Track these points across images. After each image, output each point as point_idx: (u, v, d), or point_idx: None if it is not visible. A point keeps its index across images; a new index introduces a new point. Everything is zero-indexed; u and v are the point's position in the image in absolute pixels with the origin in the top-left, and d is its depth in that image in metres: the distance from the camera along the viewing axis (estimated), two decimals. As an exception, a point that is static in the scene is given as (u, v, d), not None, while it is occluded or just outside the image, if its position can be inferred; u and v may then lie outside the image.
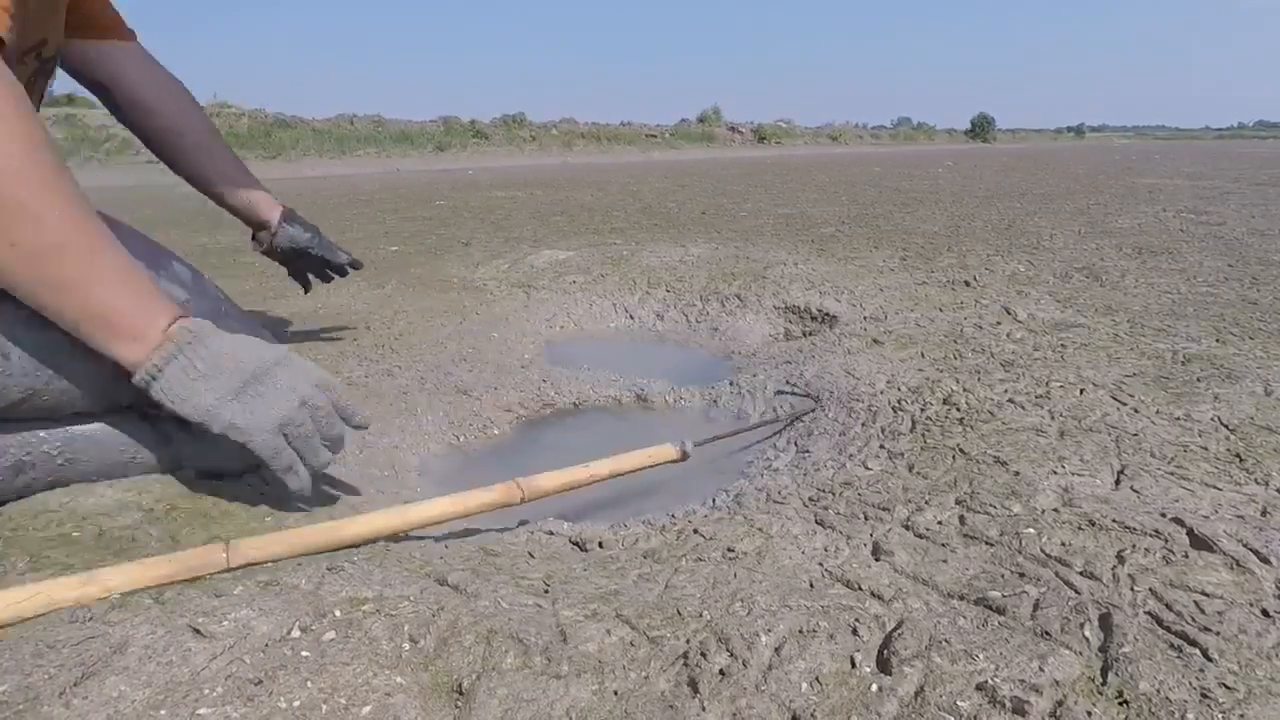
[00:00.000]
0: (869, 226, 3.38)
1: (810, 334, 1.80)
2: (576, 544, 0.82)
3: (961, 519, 0.80)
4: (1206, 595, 0.63)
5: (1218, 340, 1.45)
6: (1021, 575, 0.68)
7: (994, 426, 1.04)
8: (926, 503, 0.84)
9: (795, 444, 1.16)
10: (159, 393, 0.68)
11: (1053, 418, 1.06)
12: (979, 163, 10.56)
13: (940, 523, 0.80)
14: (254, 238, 1.37)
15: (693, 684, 0.55)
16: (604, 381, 1.47)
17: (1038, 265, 2.32)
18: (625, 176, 7.80)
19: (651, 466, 0.98)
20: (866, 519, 0.82)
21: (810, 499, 0.89)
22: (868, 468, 0.97)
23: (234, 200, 1.29)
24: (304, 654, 0.56)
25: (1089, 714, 0.51)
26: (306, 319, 1.82)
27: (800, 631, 0.60)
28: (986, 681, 0.54)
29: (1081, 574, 0.67)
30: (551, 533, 0.84)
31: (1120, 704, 0.52)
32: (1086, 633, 0.59)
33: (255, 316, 1.34)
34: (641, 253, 2.65)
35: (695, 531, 0.82)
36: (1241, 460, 0.91)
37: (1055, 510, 0.80)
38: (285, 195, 1.49)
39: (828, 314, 1.84)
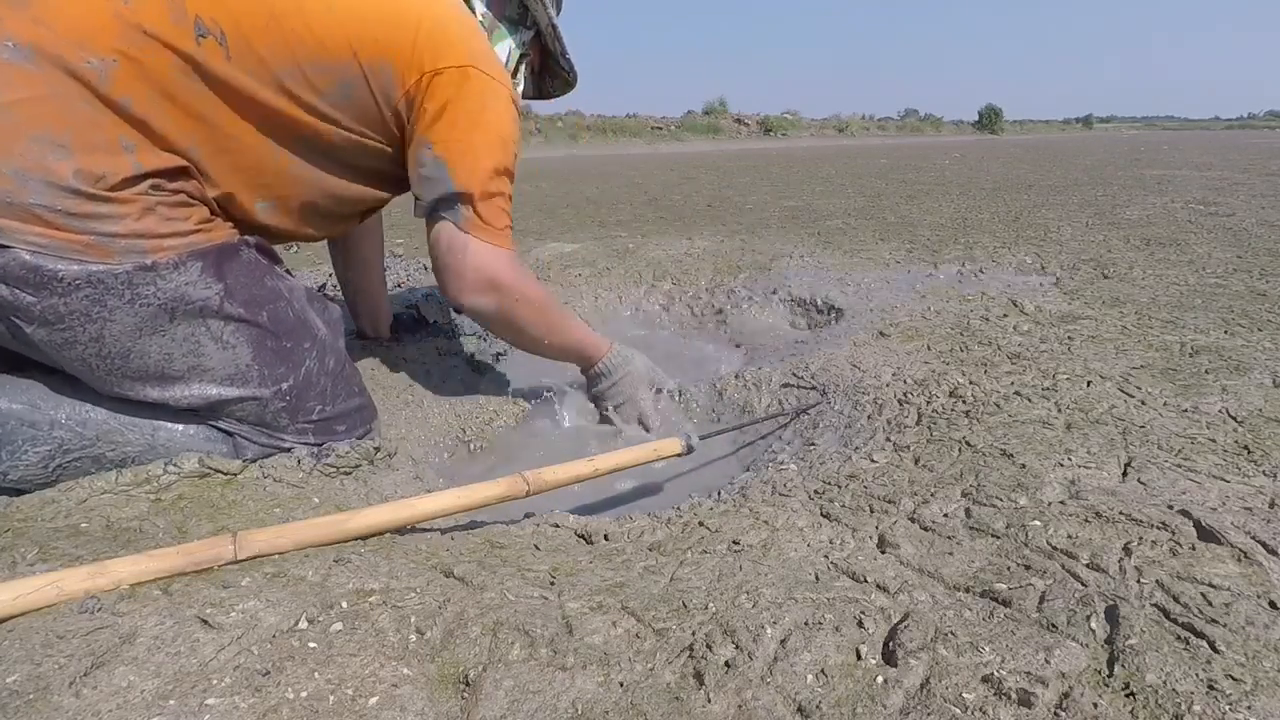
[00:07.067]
0: (875, 219, 3.36)
1: (816, 326, 1.80)
2: (582, 537, 0.82)
3: (967, 511, 0.80)
4: (1214, 587, 0.63)
5: (1226, 332, 1.44)
6: (1028, 568, 0.68)
7: (1000, 419, 1.04)
8: (932, 495, 0.84)
9: (801, 436, 1.16)
10: (601, 382, 1.26)
11: (1059, 410, 1.06)
12: (986, 154, 10.49)
13: (946, 515, 0.80)
14: (361, 334, 1.57)
15: (698, 676, 0.55)
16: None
17: (1045, 257, 2.30)
18: (631, 169, 7.78)
19: (656, 460, 0.98)
20: (872, 511, 0.82)
21: (816, 491, 0.89)
22: (873, 460, 0.97)
23: (361, 311, 1.55)
24: (311, 645, 0.57)
25: (1095, 705, 0.51)
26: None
27: (806, 624, 0.60)
28: (992, 673, 0.54)
29: (1088, 566, 0.67)
30: (557, 525, 0.84)
31: (1127, 695, 0.51)
32: (1093, 624, 0.58)
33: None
34: (647, 245, 2.65)
35: (700, 524, 0.82)
36: (1249, 452, 0.91)
37: (1062, 503, 0.80)
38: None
39: (834, 306, 1.83)
